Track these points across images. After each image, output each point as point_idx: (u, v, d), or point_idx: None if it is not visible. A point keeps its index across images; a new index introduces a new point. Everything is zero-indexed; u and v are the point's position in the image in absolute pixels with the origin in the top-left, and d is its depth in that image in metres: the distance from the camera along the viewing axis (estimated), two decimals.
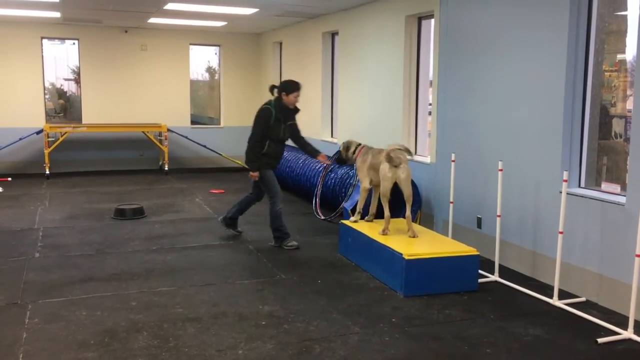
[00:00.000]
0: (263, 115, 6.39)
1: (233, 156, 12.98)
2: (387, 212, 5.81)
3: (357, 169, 6.38)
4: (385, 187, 5.75)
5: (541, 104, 5.48)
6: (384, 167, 5.74)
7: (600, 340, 4.21)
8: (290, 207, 8.95)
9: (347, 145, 6.54)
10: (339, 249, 6.46)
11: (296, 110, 6.65)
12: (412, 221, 5.83)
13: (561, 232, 4.88)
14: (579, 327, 4.52)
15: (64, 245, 6.63)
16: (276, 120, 6.40)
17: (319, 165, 8.76)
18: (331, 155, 7.44)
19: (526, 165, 5.68)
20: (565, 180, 4.81)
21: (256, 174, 6.49)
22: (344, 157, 6.59)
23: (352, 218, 6.32)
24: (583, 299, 5.06)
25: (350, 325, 4.47)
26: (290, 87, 6.48)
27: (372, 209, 6.33)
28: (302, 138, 6.84)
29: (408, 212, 5.77)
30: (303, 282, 5.46)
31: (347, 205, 7.43)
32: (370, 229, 5.94)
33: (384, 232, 5.77)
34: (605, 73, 5.34)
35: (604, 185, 4.99)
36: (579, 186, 5.32)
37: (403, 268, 5.10)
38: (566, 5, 5.14)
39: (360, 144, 6.46)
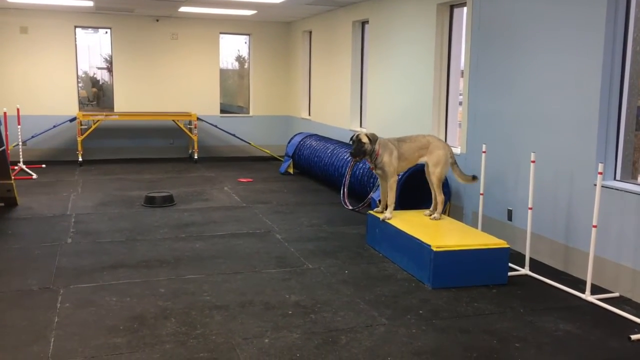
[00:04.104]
0: None
1: (262, 145, 13.04)
2: (440, 197, 6.11)
3: (384, 165, 6.00)
4: (442, 173, 6.09)
5: (576, 94, 5.34)
6: (445, 155, 6.06)
7: (633, 336, 4.12)
8: (318, 196, 8.97)
9: (374, 137, 6.00)
10: (366, 239, 6.43)
11: None
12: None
13: (595, 226, 4.77)
14: (611, 323, 4.42)
15: (95, 231, 6.74)
16: None
17: (348, 155, 8.70)
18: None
19: (559, 157, 5.55)
20: (601, 173, 4.70)
21: None
22: (364, 149, 5.94)
23: (387, 214, 6.01)
24: (616, 294, 4.95)
25: (377, 316, 4.45)
26: None
27: (384, 199, 6.16)
28: None
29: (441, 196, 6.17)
30: (330, 272, 5.45)
31: (375, 195, 7.38)
32: (398, 220, 5.89)
33: (436, 217, 6.06)
34: None
35: None
36: (614, 179, 5.18)
37: (431, 260, 5.06)
38: None
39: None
